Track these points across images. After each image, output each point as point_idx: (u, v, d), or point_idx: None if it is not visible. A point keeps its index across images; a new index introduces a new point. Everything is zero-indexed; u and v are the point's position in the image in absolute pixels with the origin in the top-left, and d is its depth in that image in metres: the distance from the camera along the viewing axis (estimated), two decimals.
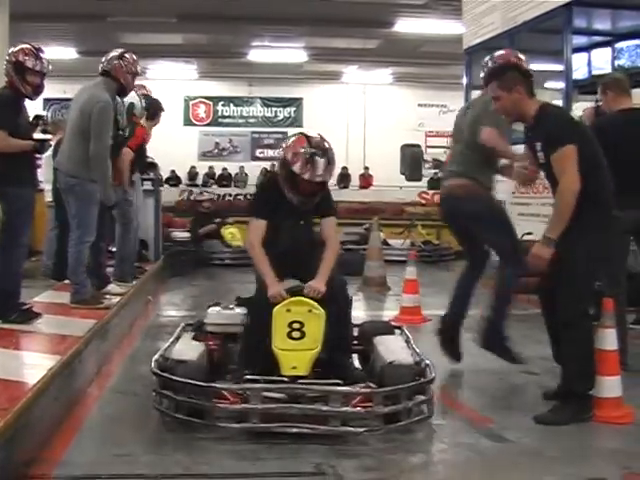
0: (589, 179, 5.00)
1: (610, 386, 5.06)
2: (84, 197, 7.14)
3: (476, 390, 5.94)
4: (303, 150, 5.24)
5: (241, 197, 25.79)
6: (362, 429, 4.61)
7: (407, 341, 5.67)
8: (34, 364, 5.11)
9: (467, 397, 5.78)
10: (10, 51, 6.49)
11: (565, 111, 6.14)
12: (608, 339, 5.08)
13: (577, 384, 5.13)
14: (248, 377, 4.84)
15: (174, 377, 4.76)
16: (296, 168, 5.21)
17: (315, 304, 5.07)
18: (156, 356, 5.11)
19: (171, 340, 5.56)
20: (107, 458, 4.30)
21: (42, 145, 6.55)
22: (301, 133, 5.47)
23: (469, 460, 4.44)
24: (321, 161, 5.19)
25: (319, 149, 5.24)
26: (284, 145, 5.43)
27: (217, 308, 5.79)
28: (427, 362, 5.10)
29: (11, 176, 6.19)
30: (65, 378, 5.14)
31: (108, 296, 7.54)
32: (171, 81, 27.59)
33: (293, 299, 5.11)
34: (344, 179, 28.99)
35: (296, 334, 4.96)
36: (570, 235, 4.98)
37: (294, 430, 4.51)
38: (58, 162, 7.38)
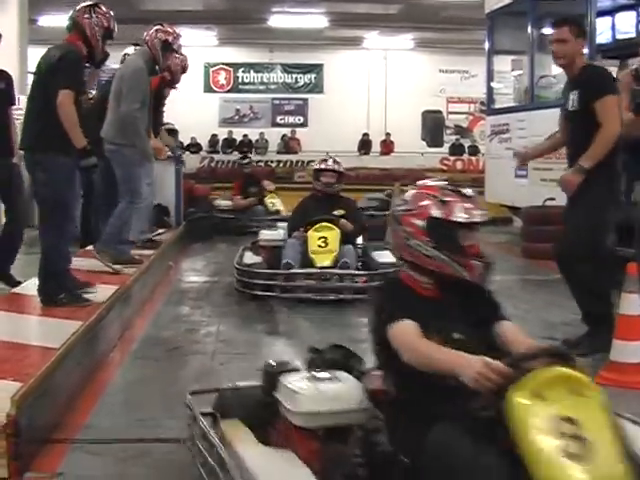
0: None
1: (633, 351, 5.03)
2: (124, 162, 7.41)
3: None
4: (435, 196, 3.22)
5: (262, 164, 25.76)
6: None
7: None
8: (57, 330, 5.15)
9: None
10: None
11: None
12: (632, 304, 5.04)
13: (592, 307, 5.52)
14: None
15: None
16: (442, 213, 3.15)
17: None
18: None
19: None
20: (130, 422, 4.34)
21: (86, 159, 5.92)
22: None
23: None
24: None
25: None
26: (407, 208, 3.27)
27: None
28: None
29: (51, 142, 5.76)
30: (88, 343, 5.18)
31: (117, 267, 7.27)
32: (191, 48, 27.09)
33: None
34: (365, 145, 28.85)
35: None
36: (592, 180, 5.34)
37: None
38: (103, 131, 7.56)
